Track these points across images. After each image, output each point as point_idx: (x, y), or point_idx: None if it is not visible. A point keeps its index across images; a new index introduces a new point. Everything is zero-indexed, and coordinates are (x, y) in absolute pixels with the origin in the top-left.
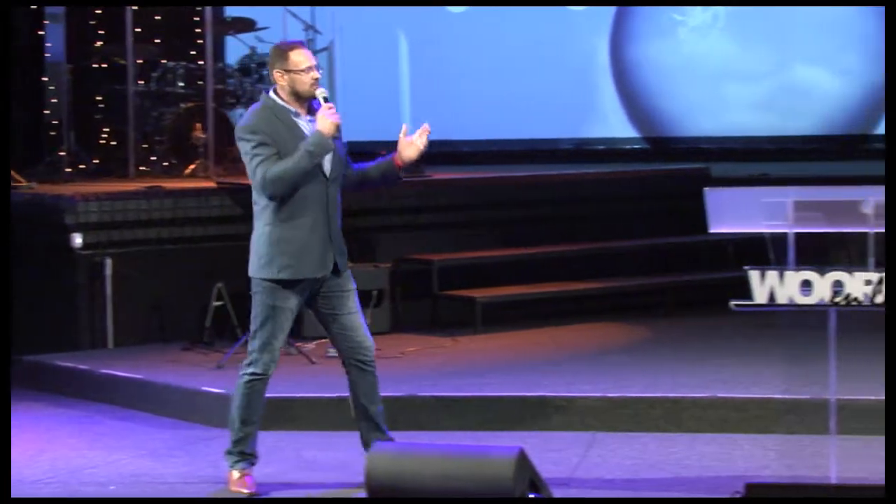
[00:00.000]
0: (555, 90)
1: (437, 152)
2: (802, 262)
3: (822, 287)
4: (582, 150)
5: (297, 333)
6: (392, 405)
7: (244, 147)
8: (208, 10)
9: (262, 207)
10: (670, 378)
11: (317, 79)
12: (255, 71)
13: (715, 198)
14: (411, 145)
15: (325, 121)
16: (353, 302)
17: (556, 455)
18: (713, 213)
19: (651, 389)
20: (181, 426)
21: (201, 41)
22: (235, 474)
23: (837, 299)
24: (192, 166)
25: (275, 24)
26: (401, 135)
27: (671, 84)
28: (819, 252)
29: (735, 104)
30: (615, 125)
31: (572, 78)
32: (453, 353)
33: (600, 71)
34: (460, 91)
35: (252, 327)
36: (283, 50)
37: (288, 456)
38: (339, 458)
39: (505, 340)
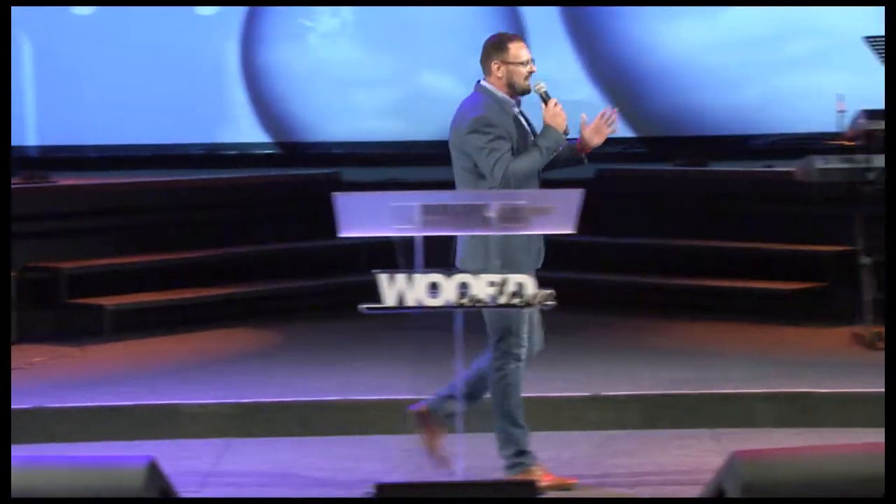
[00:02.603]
0: (184, 94)
1: (63, 157)
2: (431, 265)
3: (448, 289)
4: (213, 156)
5: None
6: (19, 418)
7: (479, 140)
8: None
9: None
10: (303, 382)
11: (532, 72)
12: None
13: (345, 202)
14: (598, 133)
15: (557, 117)
16: None
17: (190, 463)
18: (343, 217)
19: (284, 394)
20: None
21: None
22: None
23: (463, 301)
24: None
25: None
26: (581, 123)
27: (302, 89)
28: (449, 254)
29: (365, 110)
30: (246, 130)
31: (202, 82)
32: (83, 362)
33: (230, 75)
34: (87, 95)
35: (497, 325)
36: (502, 41)
37: None
38: None
39: (137, 348)
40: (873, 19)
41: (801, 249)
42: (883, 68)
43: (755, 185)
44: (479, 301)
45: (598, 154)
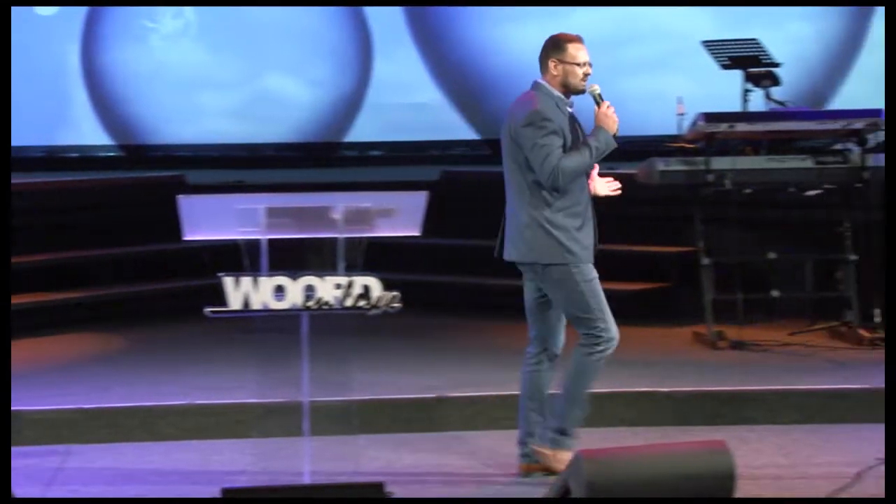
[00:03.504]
0: (24, 96)
1: None
2: (280, 268)
3: (294, 292)
4: (54, 158)
5: None
6: None
7: (534, 133)
8: None
9: (540, 197)
10: (148, 387)
11: (588, 75)
12: None
13: (189, 205)
14: (603, 187)
15: (608, 119)
16: None
17: (30, 469)
18: (187, 220)
19: (128, 399)
20: None
21: None
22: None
23: (309, 303)
24: None
25: None
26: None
27: (145, 91)
28: (296, 257)
29: (209, 112)
30: (88, 132)
31: (43, 83)
32: None
33: (71, 77)
34: None
35: (581, 313)
36: (561, 40)
37: None
38: None
39: None
40: (712, 24)
41: (643, 251)
42: (721, 72)
43: None
44: (325, 303)
45: (442, 156)
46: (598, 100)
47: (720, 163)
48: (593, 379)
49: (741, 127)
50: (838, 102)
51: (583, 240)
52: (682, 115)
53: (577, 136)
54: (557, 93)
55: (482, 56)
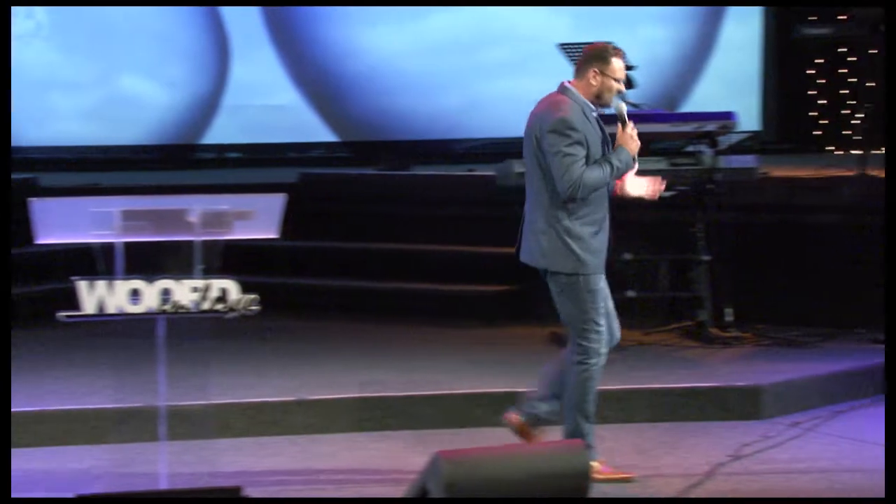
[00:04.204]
0: None
1: None
2: (135, 272)
3: (150, 295)
4: None
5: None
6: None
7: (559, 141)
8: None
9: (559, 204)
10: None
11: (620, 91)
12: None
13: (41, 208)
14: (641, 189)
15: (631, 142)
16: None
17: None
18: (40, 223)
19: None
20: None
21: None
22: (597, 465)
23: (165, 307)
24: None
25: None
26: (632, 172)
27: None
28: (155, 261)
29: (63, 113)
30: None
31: None
32: None
33: None
34: None
35: (578, 321)
36: (608, 53)
37: None
38: None
39: None
40: (568, 26)
41: (501, 252)
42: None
43: (457, 188)
44: (181, 307)
45: (301, 158)
46: (623, 120)
47: None
48: (588, 392)
49: None
50: (691, 105)
51: (596, 247)
52: None
53: (599, 140)
54: (584, 99)
55: (341, 57)
